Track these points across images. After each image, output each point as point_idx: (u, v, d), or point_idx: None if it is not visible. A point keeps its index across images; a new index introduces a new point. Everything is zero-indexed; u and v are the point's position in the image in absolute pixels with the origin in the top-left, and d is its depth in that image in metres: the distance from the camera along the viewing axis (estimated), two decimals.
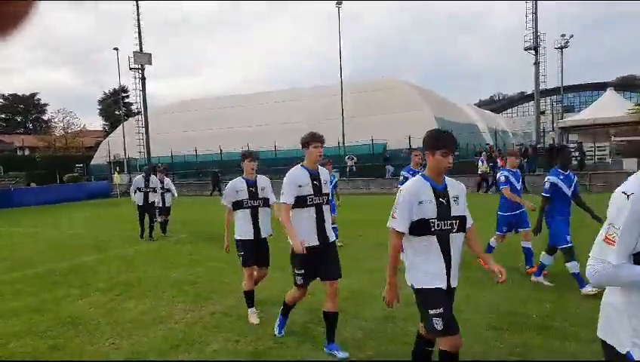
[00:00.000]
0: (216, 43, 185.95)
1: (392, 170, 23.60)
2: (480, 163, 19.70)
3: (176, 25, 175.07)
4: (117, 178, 27.39)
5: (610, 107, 26.31)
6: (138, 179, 10.80)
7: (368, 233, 10.03)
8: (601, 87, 52.24)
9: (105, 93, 56.83)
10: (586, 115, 28.16)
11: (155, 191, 10.76)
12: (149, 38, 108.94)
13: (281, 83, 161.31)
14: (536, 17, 26.06)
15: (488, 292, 5.42)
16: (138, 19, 31.12)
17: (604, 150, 25.93)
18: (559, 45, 42.29)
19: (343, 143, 27.03)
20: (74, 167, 32.32)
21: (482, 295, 5.35)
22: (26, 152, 41.10)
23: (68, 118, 49.29)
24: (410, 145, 23.90)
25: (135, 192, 10.76)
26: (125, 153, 32.69)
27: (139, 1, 30.92)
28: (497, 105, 73.74)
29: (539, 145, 25.06)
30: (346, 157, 25.30)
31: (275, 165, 26.38)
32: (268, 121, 32.29)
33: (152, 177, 10.77)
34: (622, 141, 24.73)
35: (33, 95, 58.31)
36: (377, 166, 24.69)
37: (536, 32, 26.18)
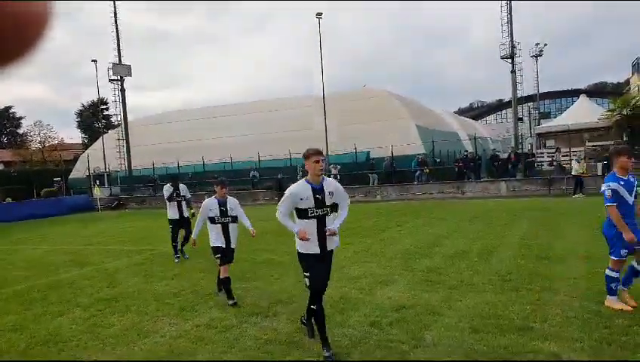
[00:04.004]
0: (201, 55, 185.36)
1: (376, 178, 23.73)
2: (575, 163, 17.69)
3: (157, 37, 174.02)
4: (97, 191, 26.86)
5: (584, 113, 27.17)
6: (210, 202, 6.11)
7: (353, 240, 10.09)
8: (574, 93, 53.89)
9: (83, 106, 55.93)
10: (561, 121, 28.98)
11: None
12: (130, 51, 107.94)
13: (263, 94, 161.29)
14: (511, 26, 26.84)
15: (469, 296, 5.51)
16: (117, 30, 30.90)
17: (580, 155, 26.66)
18: (534, 54, 43.56)
19: (327, 152, 27.14)
20: (52, 182, 31.59)
21: (463, 299, 5.45)
22: (1, 167, 40.03)
23: (45, 131, 48.20)
24: (392, 154, 24.22)
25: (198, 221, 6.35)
26: (105, 166, 32.15)
27: (116, 10, 30.75)
28: (476, 112, 75.26)
29: (518, 151, 25.61)
30: (330, 165, 25.42)
31: (258, 175, 26.34)
32: (250, 131, 32.23)
33: (231, 199, 6.19)
34: (595, 146, 25.49)
35: (8, 108, 56.98)
36: (361, 174, 24.85)
37: (512, 40, 26.92)
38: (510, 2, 26.47)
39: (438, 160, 25.22)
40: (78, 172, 35.88)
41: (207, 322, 5.14)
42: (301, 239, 4.04)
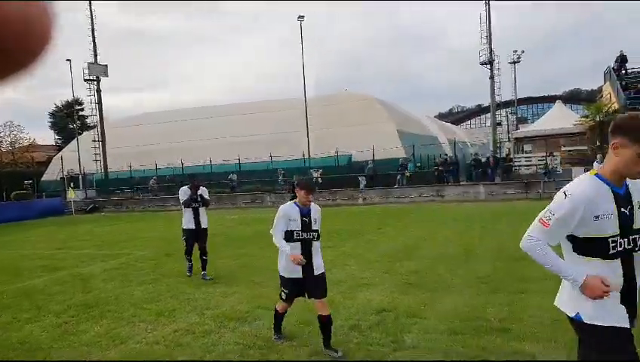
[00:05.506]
0: (182, 57, 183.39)
1: (364, 181, 23.76)
2: (597, 165, 18.55)
3: (137, 37, 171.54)
4: (71, 194, 26.11)
5: (560, 119, 27.96)
6: (290, 209, 4.43)
7: (334, 243, 10.08)
8: (551, 99, 55.39)
9: (57, 106, 54.44)
10: (538, 126, 29.73)
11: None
12: (113, 51, 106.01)
13: (250, 96, 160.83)
14: (490, 33, 27.43)
15: (448, 299, 5.57)
16: (92, 28, 30.31)
17: (556, 159, 27.43)
18: (512, 60, 44.59)
19: (309, 155, 27.13)
20: (22, 184, 30.55)
21: (442, 301, 5.49)
22: None
23: (15, 132, 46.71)
24: (374, 158, 24.35)
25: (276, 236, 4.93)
26: (80, 168, 31.35)
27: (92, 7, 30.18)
28: (456, 117, 76.60)
29: (496, 155, 26.12)
30: (312, 169, 25.40)
31: (239, 178, 26.15)
32: (231, 133, 31.96)
33: (316, 208, 4.80)
34: (570, 151, 26.23)
35: None
36: (343, 178, 24.93)
37: (491, 47, 27.51)
38: (489, 9, 27.08)
39: (418, 164, 25.49)
40: (51, 174, 34.88)
41: (185, 327, 5.03)
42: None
